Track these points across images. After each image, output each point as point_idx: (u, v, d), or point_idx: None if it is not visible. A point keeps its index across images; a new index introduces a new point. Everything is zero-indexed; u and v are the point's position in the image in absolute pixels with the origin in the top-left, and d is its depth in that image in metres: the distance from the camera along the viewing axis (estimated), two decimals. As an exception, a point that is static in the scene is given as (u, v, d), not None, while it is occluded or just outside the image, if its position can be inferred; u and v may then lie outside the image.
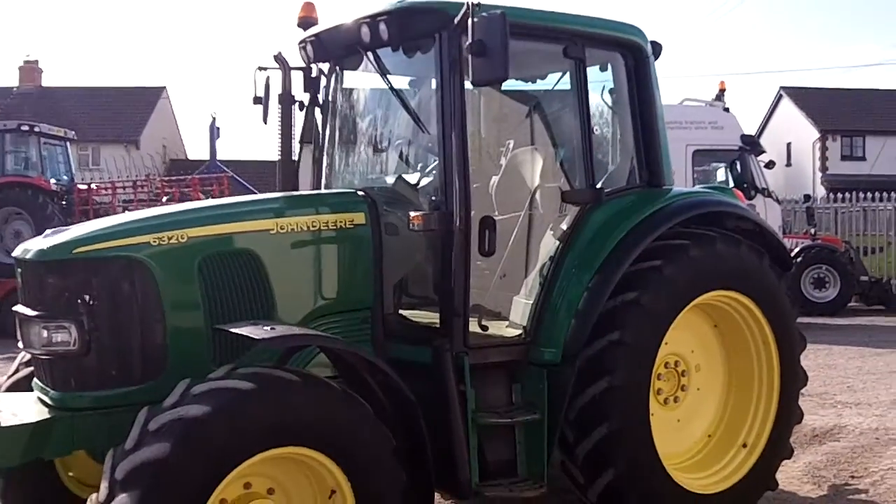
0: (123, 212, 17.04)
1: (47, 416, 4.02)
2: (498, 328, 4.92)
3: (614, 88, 5.36)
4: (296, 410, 3.62)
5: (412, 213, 4.48)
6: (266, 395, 3.55)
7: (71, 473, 4.96)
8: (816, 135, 40.21)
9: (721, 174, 15.50)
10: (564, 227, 4.97)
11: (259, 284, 4.39)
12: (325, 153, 5.62)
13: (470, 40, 4.13)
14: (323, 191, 5.40)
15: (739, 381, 5.48)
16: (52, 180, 17.20)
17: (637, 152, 5.29)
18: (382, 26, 4.65)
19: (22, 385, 4.69)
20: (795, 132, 41.41)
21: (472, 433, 4.44)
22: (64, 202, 17.10)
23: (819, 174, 39.62)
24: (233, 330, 3.94)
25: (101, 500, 3.38)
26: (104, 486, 3.39)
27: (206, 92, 77.28)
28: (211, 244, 4.29)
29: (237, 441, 3.48)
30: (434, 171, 5.23)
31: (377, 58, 4.94)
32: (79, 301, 4.04)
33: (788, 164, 39.82)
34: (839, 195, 21.92)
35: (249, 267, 4.37)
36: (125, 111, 41.15)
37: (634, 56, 5.27)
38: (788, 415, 5.47)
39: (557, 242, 4.97)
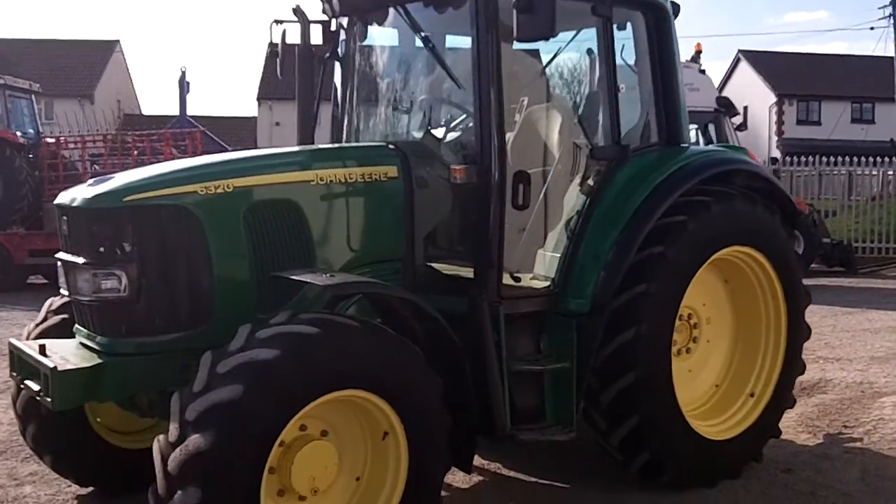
0: (92, 167, 16.82)
1: (98, 361, 4.07)
2: (525, 280, 5.05)
3: (635, 47, 5.47)
4: (356, 355, 3.73)
5: (454, 166, 4.56)
6: (330, 339, 3.65)
7: (99, 419, 5.03)
8: (773, 99, 40.92)
9: (693, 135, 15.74)
10: (591, 182, 5.10)
11: (300, 234, 4.46)
12: (344, 109, 5.65)
13: None
14: (357, 144, 5.45)
15: (747, 334, 5.71)
16: (18, 133, 16.82)
17: (657, 110, 5.42)
18: None
19: (52, 333, 4.72)
20: (752, 96, 42.08)
21: (504, 380, 4.58)
22: (31, 156, 16.75)
23: (775, 138, 40.43)
24: (295, 277, 4.02)
25: (171, 440, 3.45)
26: (174, 426, 3.46)
27: (165, 46, 75.64)
28: (255, 194, 4.34)
29: (304, 384, 3.58)
30: (460, 126, 5.32)
31: (406, 13, 4.98)
32: (128, 248, 4.08)
33: (745, 128, 40.43)
34: (795, 159, 22.41)
35: (291, 217, 4.43)
36: (78, 65, 40.24)
37: (655, 15, 5.38)
38: (792, 366, 5.72)
39: (583, 198, 5.10)
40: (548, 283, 5.00)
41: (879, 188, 21.80)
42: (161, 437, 3.54)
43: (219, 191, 4.23)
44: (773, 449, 5.81)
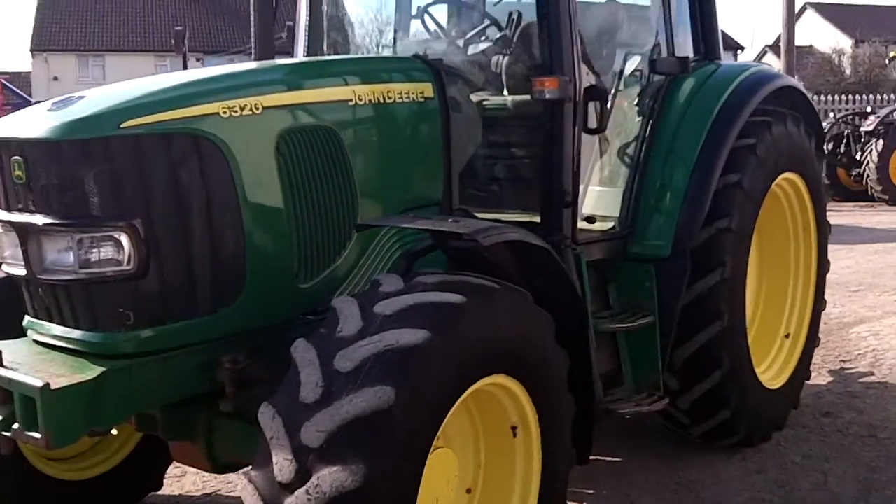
0: None
1: (101, 368, 2.78)
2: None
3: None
4: (505, 328, 2.75)
5: (540, 78, 3.56)
6: (480, 309, 2.64)
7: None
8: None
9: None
10: (648, 101, 4.30)
11: (340, 171, 3.35)
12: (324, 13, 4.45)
13: None
14: (381, 55, 4.29)
15: (773, 271, 5.16)
16: None
17: (693, 24, 4.72)
18: None
19: None
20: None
21: (592, 343, 3.73)
22: None
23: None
24: (406, 224, 2.95)
25: (283, 479, 2.32)
26: (285, 458, 2.33)
27: None
28: (288, 117, 3.18)
29: (457, 373, 2.56)
30: (486, 38, 4.32)
31: None
32: (130, 198, 2.81)
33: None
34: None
35: (329, 147, 3.32)
36: None
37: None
38: (820, 302, 5.28)
39: (639, 120, 4.29)
40: (611, 224, 4.17)
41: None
42: (254, 475, 2.40)
43: (245, 112, 3.02)
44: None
